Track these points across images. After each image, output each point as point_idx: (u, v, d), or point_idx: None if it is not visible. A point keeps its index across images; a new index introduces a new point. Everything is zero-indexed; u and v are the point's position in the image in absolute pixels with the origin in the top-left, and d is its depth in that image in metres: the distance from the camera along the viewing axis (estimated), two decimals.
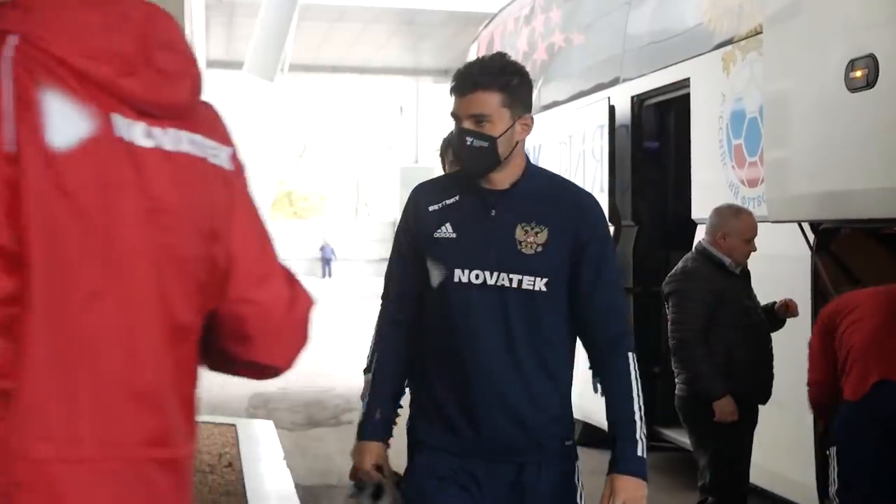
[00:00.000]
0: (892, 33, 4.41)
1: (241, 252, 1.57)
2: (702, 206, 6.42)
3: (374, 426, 2.95)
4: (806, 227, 5.22)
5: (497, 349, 2.79)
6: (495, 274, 2.79)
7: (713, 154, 6.33)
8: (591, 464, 3.47)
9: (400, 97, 48.04)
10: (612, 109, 7.57)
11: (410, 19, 25.71)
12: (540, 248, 2.80)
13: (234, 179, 1.58)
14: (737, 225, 4.95)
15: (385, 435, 2.94)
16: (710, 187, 6.35)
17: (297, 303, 1.67)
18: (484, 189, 2.88)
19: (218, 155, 1.54)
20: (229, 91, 21.01)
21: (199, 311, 1.53)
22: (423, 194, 2.97)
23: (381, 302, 3.16)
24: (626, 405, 2.78)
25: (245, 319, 1.59)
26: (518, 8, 10.40)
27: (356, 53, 30.06)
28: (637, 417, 2.77)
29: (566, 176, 8.45)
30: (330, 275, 43.48)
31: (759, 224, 5.08)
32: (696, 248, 5.13)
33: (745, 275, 5.06)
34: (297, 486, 6.88)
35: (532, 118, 2.91)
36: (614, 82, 7.85)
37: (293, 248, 43.59)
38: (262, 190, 22.06)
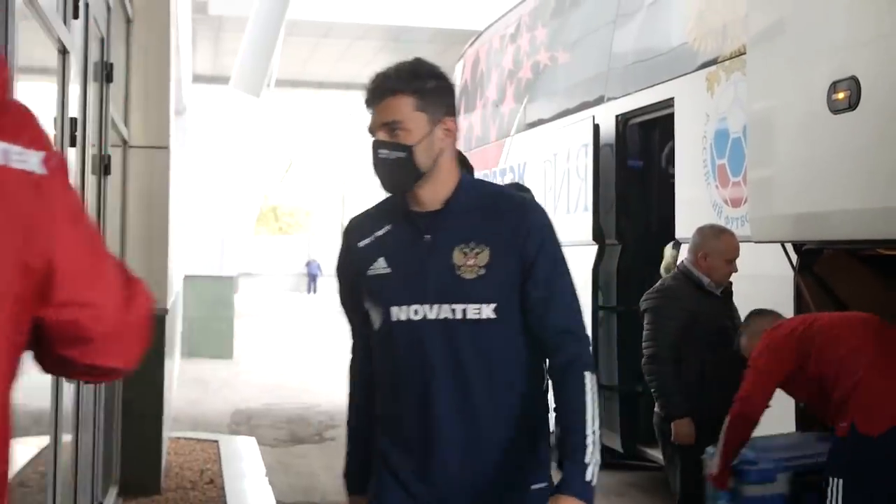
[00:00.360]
0: (875, 55, 4.44)
1: (65, 255, 1.52)
2: (685, 226, 6.43)
3: (356, 480, 2.81)
4: (789, 247, 5.25)
5: (446, 391, 2.53)
6: (436, 307, 2.52)
7: (697, 173, 6.36)
8: None
9: None
10: (596, 128, 7.60)
11: (397, 36, 25.72)
12: (482, 271, 2.52)
13: (48, 183, 1.51)
14: (717, 245, 4.99)
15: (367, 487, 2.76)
16: (693, 206, 6.37)
17: (134, 301, 1.60)
18: (414, 212, 2.59)
19: (26, 160, 1.49)
20: (215, 106, 20.95)
21: (11, 319, 1.47)
22: (353, 229, 2.71)
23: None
24: (577, 426, 2.48)
25: (79, 322, 1.54)
26: (504, 26, 10.44)
27: (343, 69, 30.04)
28: (589, 441, 2.47)
29: (552, 195, 8.53)
30: (315, 290, 43.39)
31: (742, 244, 5.09)
32: (678, 266, 5.17)
33: (727, 295, 5.08)
34: (279, 503, 6.86)
35: (456, 122, 2.61)
36: (599, 101, 7.88)
37: (278, 264, 43.49)
38: (248, 205, 22.01)
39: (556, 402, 2.58)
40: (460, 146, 10.90)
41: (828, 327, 4.41)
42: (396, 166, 2.52)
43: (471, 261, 2.52)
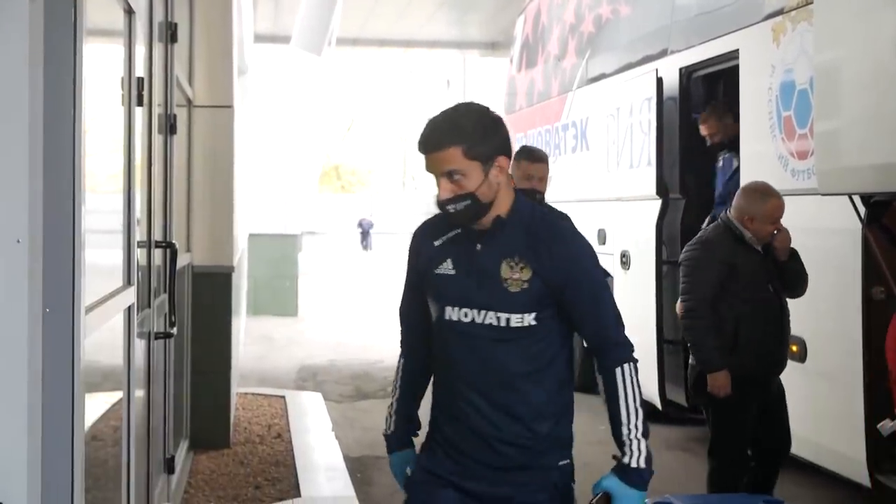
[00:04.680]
0: None
1: None
2: (751, 179, 6.37)
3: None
4: (857, 199, 5.17)
5: (481, 387, 2.92)
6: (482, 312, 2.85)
7: (762, 126, 6.28)
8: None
9: (447, 70, 47.90)
10: (659, 82, 7.52)
11: None
12: (525, 285, 2.80)
13: None
14: (764, 209, 4.86)
15: None
16: (759, 160, 6.30)
17: None
18: (472, 229, 2.89)
19: None
20: (277, 65, 21.04)
21: None
22: (420, 232, 3.10)
23: None
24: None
25: None
26: None
27: (403, 27, 29.93)
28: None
29: (615, 149, 8.44)
30: (369, 247, 43.54)
31: (808, 197, 5.03)
32: (720, 217, 5.08)
33: (767, 251, 4.97)
34: (345, 456, 6.96)
35: (508, 158, 2.82)
36: (662, 54, 7.79)
37: (341, 222, 43.75)
38: (310, 164, 22.11)
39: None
40: (522, 102, 10.86)
41: None
42: (466, 210, 2.78)
43: (516, 274, 2.78)
